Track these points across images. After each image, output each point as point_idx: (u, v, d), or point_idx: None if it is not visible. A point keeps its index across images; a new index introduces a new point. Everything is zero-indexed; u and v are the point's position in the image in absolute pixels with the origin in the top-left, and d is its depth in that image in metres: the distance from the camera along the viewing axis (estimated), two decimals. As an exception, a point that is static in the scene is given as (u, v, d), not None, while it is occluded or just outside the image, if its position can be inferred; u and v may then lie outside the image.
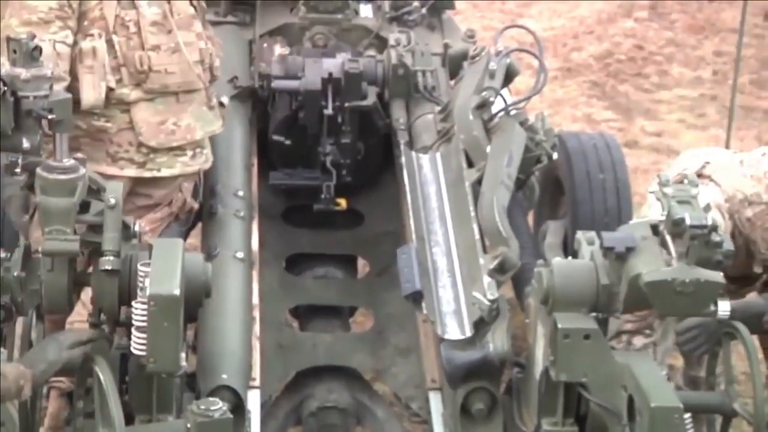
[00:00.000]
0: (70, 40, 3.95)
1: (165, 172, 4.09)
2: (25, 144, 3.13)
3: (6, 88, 3.09)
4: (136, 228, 3.19)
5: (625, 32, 10.27)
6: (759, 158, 4.32)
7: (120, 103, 4.01)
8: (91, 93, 3.90)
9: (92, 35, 4.02)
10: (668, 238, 2.97)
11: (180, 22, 4.13)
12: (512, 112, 4.11)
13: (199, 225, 4.35)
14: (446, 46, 4.58)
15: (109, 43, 4.03)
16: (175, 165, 4.15)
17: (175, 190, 4.17)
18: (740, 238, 4.20)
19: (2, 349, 3.31)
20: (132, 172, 3.99)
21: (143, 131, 4.04)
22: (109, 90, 3.97)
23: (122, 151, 4.03)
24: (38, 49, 3.24)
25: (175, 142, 4.14)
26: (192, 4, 4.22)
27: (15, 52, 3.18)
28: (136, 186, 3.97)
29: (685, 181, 3.29)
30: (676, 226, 2.95)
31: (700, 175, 4.14)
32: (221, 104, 4.34)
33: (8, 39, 3.28)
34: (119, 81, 4.01)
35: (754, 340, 4.30)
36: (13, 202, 3.96)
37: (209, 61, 4.25)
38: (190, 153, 4.19)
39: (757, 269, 4.19)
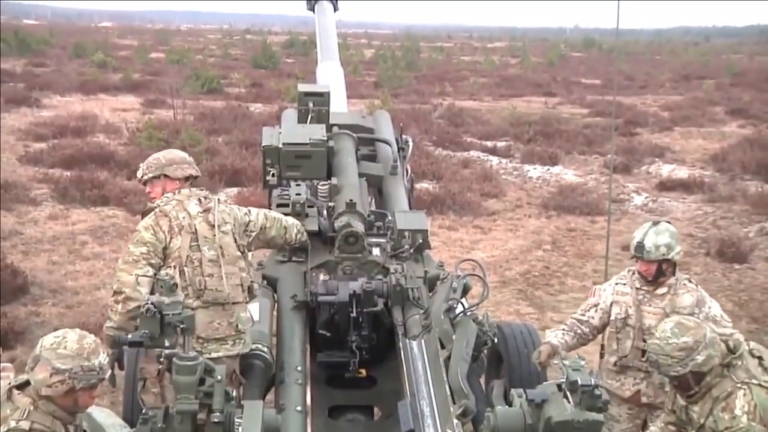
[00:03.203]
0: (150, 273, 4.02)
1: (213, 354, 3.99)
2: (166, 343, 3.17)
3: (156, 310, 3.14)
4: (233, 394, 3.18)
5: (538, 258, 10.31)
6: None
7: (187, 308, 4.04)
8: None
9: (170, 266, 4.09)
10: (568, 393, 2.97)
11: (228, 260, 4.17)
12: (468, 313, 4.14)
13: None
14: (426, 272, 4.60)
15: (182, 272, 4.08)
16: (221, 350, 4.10)
17: (228, 368, 4.05)
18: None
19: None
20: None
21: (200, 329, 3.98)
22: None
23: None
24: (176, 285, 3.31)
25: (219, 335, 4.12)
26: (239, 249, 4.28)
27: (162, 287, 3.25)
28: None
29: (576, 356, 3.31)
30: (573, 385, 2.97)
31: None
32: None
33: (158, 279, 3.36)
34: (186, 295, 4.01)
35: None
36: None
37: (247, 285, 4.25)
38: (231, 342, 4.15)
39: None
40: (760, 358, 3.65)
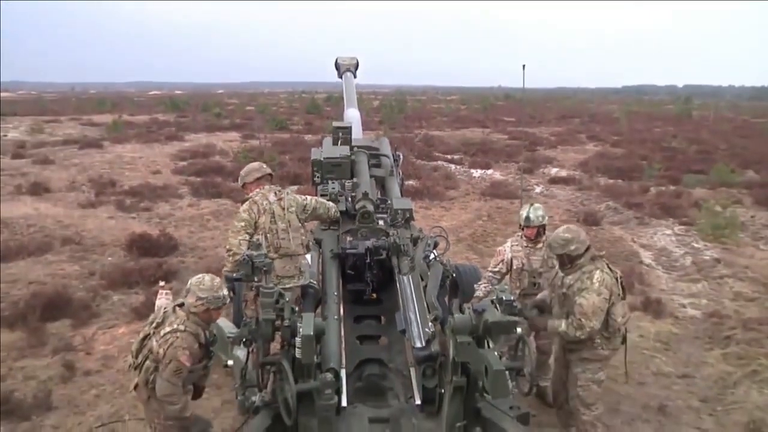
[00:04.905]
0: (247, 238, 3.97)
1: (286, 286, 3.96)
2: (256, 279, 3.11)
3: (249, 259, 3.10)
4: (296, 309, 3.12)
5: (479, 226, 10.23)
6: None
7: (268, 258, 3.95)
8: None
9: (259, 234, 4.04)
10: (497, 305, 2.91)
11: (293, 229, 4.14)
12: (437, 259, 4.05)
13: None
14: (411, 235, 4.49)
15: (266, 237, 4.05)
16: (291, 283, 4.06)
17: (294, 293, 4.06)
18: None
19: (250, 355, 3.21)
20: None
21: (276, 270, 3.94)
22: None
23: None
24: (260, 245, 3.25)
25: (289, 274, 4.07)
26: (300, 222, 4.22)
27: (251, 246, 3.20)
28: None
29: (494, 283, 3.28)
30: (500, 301, 2.90)
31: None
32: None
33: (249, 242, 3.30)
34: (269, 250, 3.97)
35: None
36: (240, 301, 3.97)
37: (305, 242, 4.21)
38: (296, 279, 4.11)
39: None
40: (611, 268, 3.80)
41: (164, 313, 3.19)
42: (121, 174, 14.53)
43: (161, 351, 3.01)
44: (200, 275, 3.21)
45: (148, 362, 3.12)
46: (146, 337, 3.17)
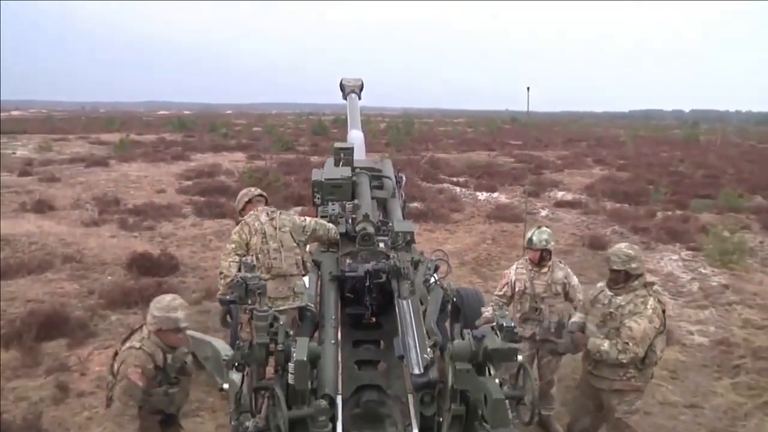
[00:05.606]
0: (237, 260, 3.94)
1: (280, 308, 3.87)
2: (249, 301, 3.05)
3: (242, 281, 3.04)
4: (291, 333, 3.05)
5: (483, 249, 10.15)
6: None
7: (261, 280, 3.87)
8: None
9: (251, 255, 4.01)
10: (498, 331, 2.84)
11: (286, 249, 4.10)
12: (437, 283, 3.98)
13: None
14: (412, 258, 4.40)
15: (257, 258, 4.01)
16: (285, 305, 4.01)
17: (290, 316, 3.97)
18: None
19: (245, 379, 3.13)
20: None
21: (270, 292, 3.82)
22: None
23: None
24: (254, 266, 3.19)
25: (282, 296, 4.02)
26: (295, 242, 4.17)
27: (245, 267, 3.14)
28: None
29: (502, 306, 3.19)
30: (500, 327, 2.83)
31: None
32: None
33: (242, 263, 3.24)
34: (261, 272, 3.91)
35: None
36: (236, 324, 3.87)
37: (299, 262, 4.15)
38: (290, 300, 4.05)
39: None
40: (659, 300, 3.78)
41: (132, 330, 3.19)
42: (126, 192, 14.60)
43: (116, 367, 2.99)
44: (163, 295, 3.19)
45: (110, 378, 3.07)
46: (116, 354, 3.15)
